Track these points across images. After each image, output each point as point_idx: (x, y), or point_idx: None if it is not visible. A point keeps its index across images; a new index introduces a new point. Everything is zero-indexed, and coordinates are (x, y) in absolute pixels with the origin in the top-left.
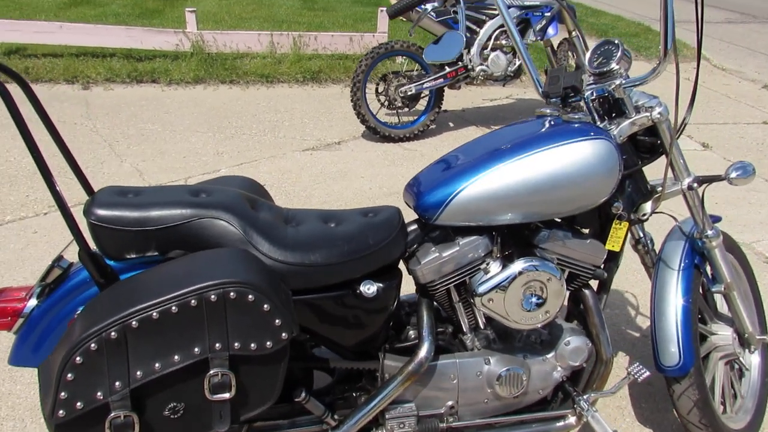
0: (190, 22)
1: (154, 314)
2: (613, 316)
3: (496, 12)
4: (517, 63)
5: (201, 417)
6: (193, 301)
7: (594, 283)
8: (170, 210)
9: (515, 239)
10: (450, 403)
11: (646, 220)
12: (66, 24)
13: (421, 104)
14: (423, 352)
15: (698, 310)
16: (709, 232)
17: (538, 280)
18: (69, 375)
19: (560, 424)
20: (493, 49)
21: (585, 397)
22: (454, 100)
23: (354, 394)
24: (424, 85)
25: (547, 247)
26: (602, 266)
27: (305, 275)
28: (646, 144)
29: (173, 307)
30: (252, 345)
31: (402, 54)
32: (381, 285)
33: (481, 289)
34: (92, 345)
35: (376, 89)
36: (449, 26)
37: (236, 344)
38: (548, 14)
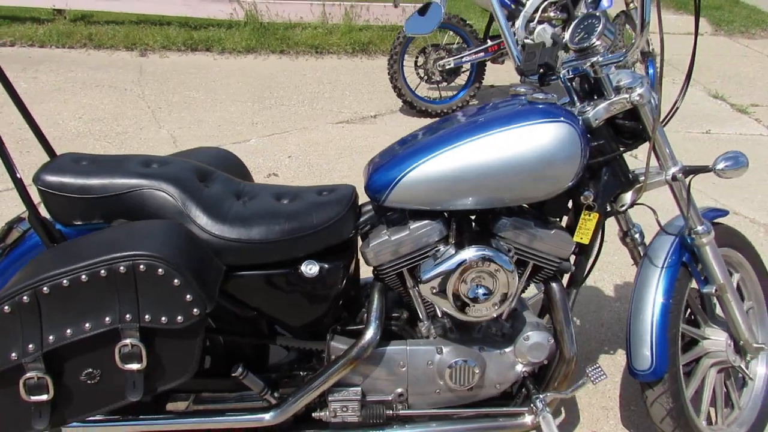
0: None
1: (65, 282)
2: (622, 311)
3: None
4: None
5: (115, 385)
6: (102, 271)
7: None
8: (114, 179)
9: (474, 226)
10: (399, 390)
11: (623, 211)
12: None
13: (462, 79)
14: (368, 335)
15: (687, 312)
16: (699, 228)
17: (485, 270)
18: None
19: (515, 422)
20: (540, 22)
21: (542, 396)
22: (504, 74)
23: (302, 374)
24: (464, 59)
25: (506, 236)
26: (571, 259)
27: (243, 251)
28: (627, 128)
29: (83, 276)
30: (163, 318)
31: (442, 26)
32: (325, 265)
33: (425, 275)
34: (5, 308)
35: (415, 62)
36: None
37: (147, 317)
38: None
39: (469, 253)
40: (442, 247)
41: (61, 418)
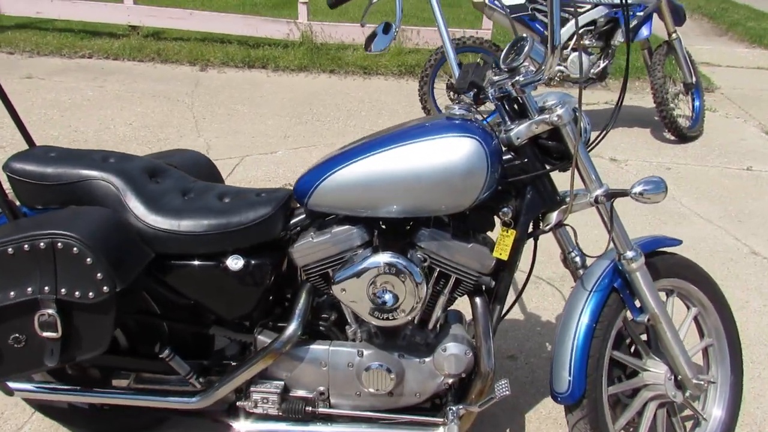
0: (302, 13)
1: (5, 250)
2: None
3: (582, 9)
4: (602, 65)
5: (37, 351)
6: (26, 246)
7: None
8: (69, 169)
9: (396, 235)
10: (321, 388)
11: (546, 232)
12: (195, 12)
13: None
14: (288, 331)
15: (628, 341)
16: (628, 253)
17: (393, 276)
18: None
19: (426, 431)
20: (575, 49)
21: (454, 408)
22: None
23: (232, 363)
24: None
25: (424, 246)
26: (492, 275)
27: (172, 241)
28: (553, 149)
29: (9, 249)
30: (76, 293)
31: (472, 50)
32: (252, 261)
33: (337, 277)
34: None
35: (447, 84)
36: (525, 24)
37: (63, 290)
38: (640, 13)
39: (378, 258)
40: (360, 252)
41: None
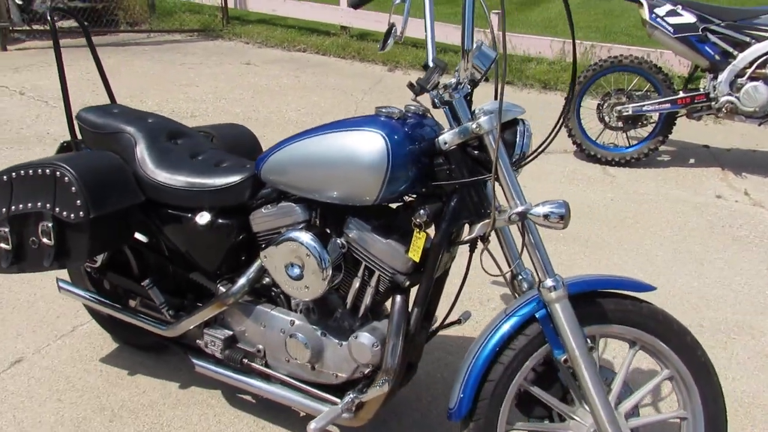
0: (493, 23)
1: (21, 173)
2: None
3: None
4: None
5: (41, 254)
6: (39, 171)
7: None
8: (112, 123)
9: (335, 220)
10: (259, 347)
11: (462, 243)
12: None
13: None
14: (235, 287)
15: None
16: (548, 282)
17: (302, 254)
18: None
19: (313, 405)
20: (753, 79)
21: (351, 395)
22: (697, 131)
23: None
24: (644, 108)
25: (347, 233)
26: (409, 275)
27: (157, 191)
28: (481, 159)
29: (30, 171)
30: (64, 213)
31: (630, 70)
32: (216, 220)
33: (264, 244)
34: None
35: (598, 105)
36: (691, 46)
37: (57, 209)
38: None
39: (295, 235)
40: (295, 227)
41: (20, 267)
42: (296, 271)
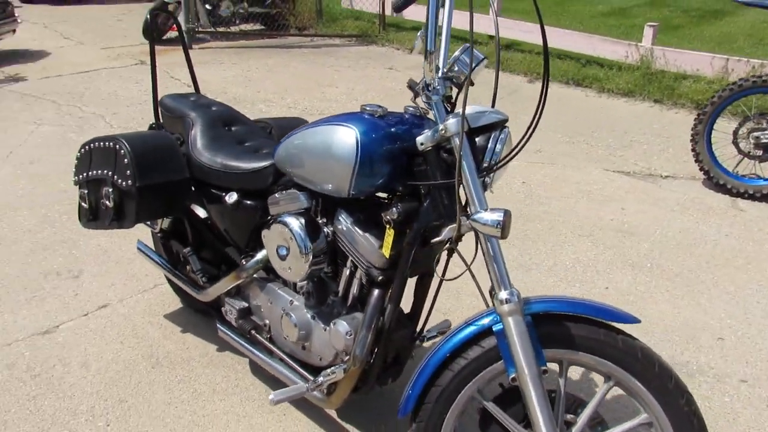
0: (647, 36)
1: (97, 144)
2: None
3: None
4: None
5: (106, 215)
6: (107, 144)
7: None
8: (181, 108)
9: (329, 209)
10: (267, 321)
11: (429, 246)
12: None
13: None
14: (249, 262)
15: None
16: (502, 294)
17: (286, 236)
18: (77, 161)
19: (291, 377)
20: None
21: (322, 377)
22: None
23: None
24: None
25: (335, 222)
26: (384, 271)
27: (201, 170)
28: (446, 161)
29: (101, 144)
30: (119, 181)
31: (762, 91)
32: (242, 201)
33: (266, 226)
34: (85, 149)
35: (735, 130)
36: None
37: (115, 177)
38: None
39: (286, 219)
40: (298, 213)
41: (95, 224)
42: (283, 252)
